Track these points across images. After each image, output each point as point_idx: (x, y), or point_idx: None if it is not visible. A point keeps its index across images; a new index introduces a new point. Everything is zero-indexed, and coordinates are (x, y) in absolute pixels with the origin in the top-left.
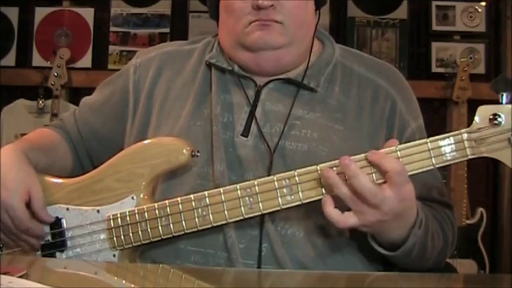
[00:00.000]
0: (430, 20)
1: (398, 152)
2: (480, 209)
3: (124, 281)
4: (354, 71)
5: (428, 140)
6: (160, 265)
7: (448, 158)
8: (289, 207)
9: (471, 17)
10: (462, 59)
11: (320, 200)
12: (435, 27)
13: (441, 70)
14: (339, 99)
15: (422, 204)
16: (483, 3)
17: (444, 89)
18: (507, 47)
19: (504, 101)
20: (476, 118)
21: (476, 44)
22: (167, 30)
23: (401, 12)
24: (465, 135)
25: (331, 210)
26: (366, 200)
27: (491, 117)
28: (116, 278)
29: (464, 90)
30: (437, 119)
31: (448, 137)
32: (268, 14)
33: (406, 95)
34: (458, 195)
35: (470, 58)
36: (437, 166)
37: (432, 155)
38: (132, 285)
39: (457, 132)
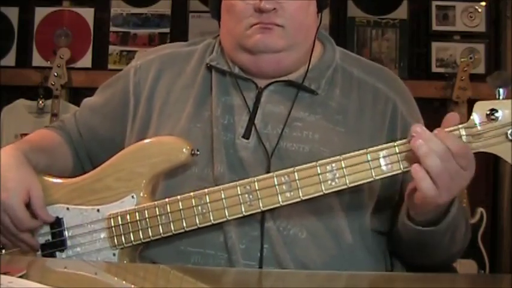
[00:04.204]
0: (430, 20)
1: (396, 148)
2: (480, 209)
3: (124, 282)
4: (354, 75)
5: None
6: (160, 266)
7: None
8: (288, 204)
9: (471, 17)
10: (462, 59)
11: (318, 197)
12: (435, 27)
13: (441, 70)
14: (339, 101)
15: None
16: (483, 3)
17: (444, 89)
18: (507, 47)
19: (501, 96)
20: (474, 113)
21: (476, 44)
22: (167, 30)
23: (401, 12)
24: (463, 131)
25: (428, 181)
26: (462, 160)
27: (488, 112)
28: (116, 278)
29: (464, 90)
30: (437, 119)
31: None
32: (270, 17)
33: (406, 98)
34: (458, 195)
35: (470, 58)
36: None
37: None
38: (132, 286)
39: (454, 127)
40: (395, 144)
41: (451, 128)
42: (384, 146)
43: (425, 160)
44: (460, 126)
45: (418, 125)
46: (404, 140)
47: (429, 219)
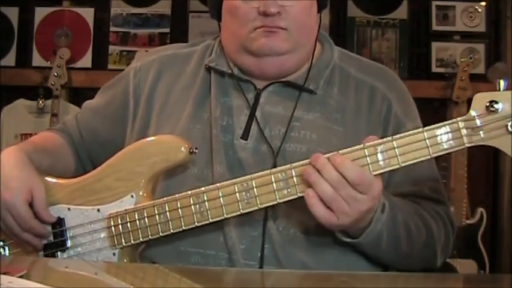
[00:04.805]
0: (430, 20)
1: (394, 142)
2: (480, 209)
3: (123, 282)
4: (352, 75)
5: (424, 129)
6: (159, 266)
7: (445, 146)
8: (286, 201)
9: (471, 17)
10: (462, 59)
11: None
12: (435, 27)
13: (441, 70)
14: (337, 100)
15: (401, 199)
16: (483, 3)
17: (444, 89)
18: (507, 47)
19: (501, 88)
20: (473, 106)
21: (476, 44)
22: (167, 30)
23: (401, 12)
24: (461, 124)
25: (319, 206)
26: (358, 186)
27: (487, 104)
28: (115, 278)
29: (464, 90)
30: (437, 119)
31: (444, 125)
32: (274, 20)
33: (403, 98)
34: (458, 195)
35: (470, 58)
36: (434, 155)
37: (428, 144)
38: (131, 286)
39: (453, 120)
40: (393, 138)
41: (450, 121)
42: (381, 140)
43: (315, 187)
44: (458, 119)
45: (316, 153)
46: (399, 135)
47: (352, 233)
